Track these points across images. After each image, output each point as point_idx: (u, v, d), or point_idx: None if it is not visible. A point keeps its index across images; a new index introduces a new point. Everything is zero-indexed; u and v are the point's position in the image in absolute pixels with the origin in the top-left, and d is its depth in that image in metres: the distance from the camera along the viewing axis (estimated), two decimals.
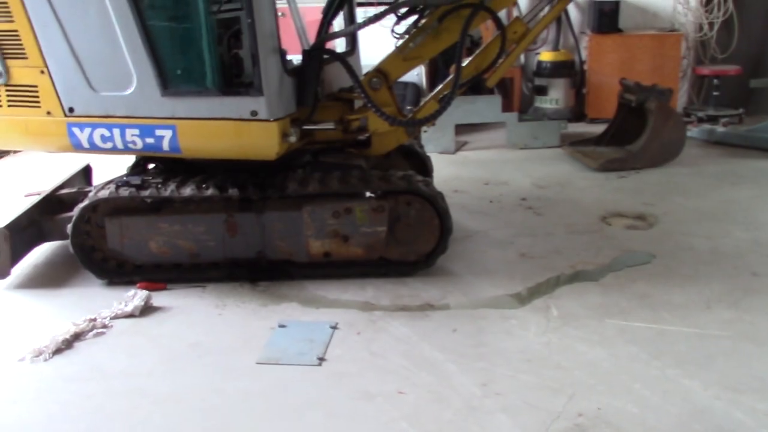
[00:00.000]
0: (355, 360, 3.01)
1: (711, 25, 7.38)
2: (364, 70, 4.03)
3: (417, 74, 6.81)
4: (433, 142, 6.19)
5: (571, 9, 7.45)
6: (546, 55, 7.47)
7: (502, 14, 3.84)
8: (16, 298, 3.73)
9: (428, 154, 4.66)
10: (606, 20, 7.18)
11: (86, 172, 4.85)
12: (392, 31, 3.77)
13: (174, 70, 3.46)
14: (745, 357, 2.91)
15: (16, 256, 3.77)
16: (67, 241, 3.71)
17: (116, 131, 3.54)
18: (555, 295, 3.53)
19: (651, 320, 3.25)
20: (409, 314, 3.39)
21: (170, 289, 3.69)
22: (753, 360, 2.89)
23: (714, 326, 3.18)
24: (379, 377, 2.86)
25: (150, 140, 3.51)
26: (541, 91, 7.50)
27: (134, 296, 3.51)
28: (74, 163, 4.83)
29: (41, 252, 4.14)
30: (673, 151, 5.73)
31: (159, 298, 3.58)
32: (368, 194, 3.74)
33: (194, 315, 3.44)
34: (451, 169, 5.78)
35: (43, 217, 3.95)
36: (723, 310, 3.33)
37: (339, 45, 4.48)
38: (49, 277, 3.93)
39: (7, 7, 3.48)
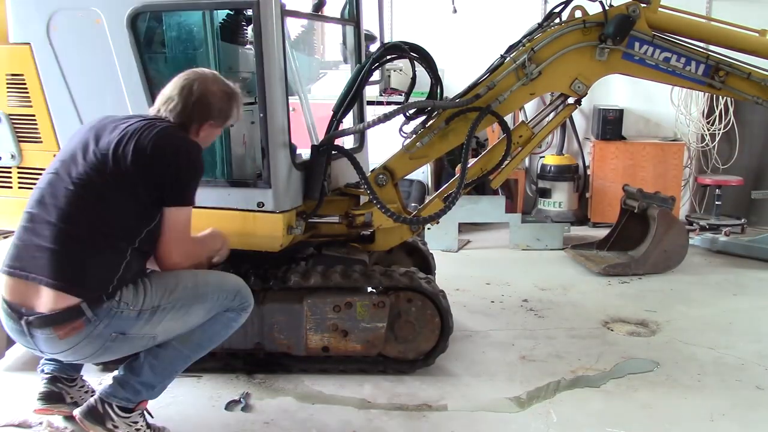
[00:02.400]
0: None
1: (713, 136, 7.53)
2: (372, 167, 4.10)
3: (423, 172, 6.91)
4: (437, 239, 6.22)
5: (576, 115, 7.62)
6: (550, 159, 7.60)
7: (508, 118, 3.92)
8: (8, 380, 3.68)
9: (431, 251, 4.67)
10: (610, 128, 7.33)
11: None
12: (400, 130, 3.86)
13: None
14: None
15: (11, 338, 3.73)
16: None
17: None
18: (555, 401, 3.47)
19: (653, 431, 3.18)
20: (406, 414, 3.33)
21: None
22: None
23: None
24: None
25: None
26: (545, 193, 7.59)
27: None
28: None
29: None
30: (675, 259, 5.74)
31: None
32: (369, 289, 3.74)
33: (188, 406, 3.38)
34: (454, 267, 5.78)
35: None
36: (727, 423, 3.26)
37: (347, 141, 4.57)
38: None
39: (27, 94, 3.58)
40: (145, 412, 2.99)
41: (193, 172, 2.85)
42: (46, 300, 2.61)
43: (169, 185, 2.77)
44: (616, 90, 7.64)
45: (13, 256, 2.72)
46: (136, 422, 2.92)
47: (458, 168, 3.82)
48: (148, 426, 2.99)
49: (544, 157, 7.70)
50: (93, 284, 2.65)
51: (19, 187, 3.71)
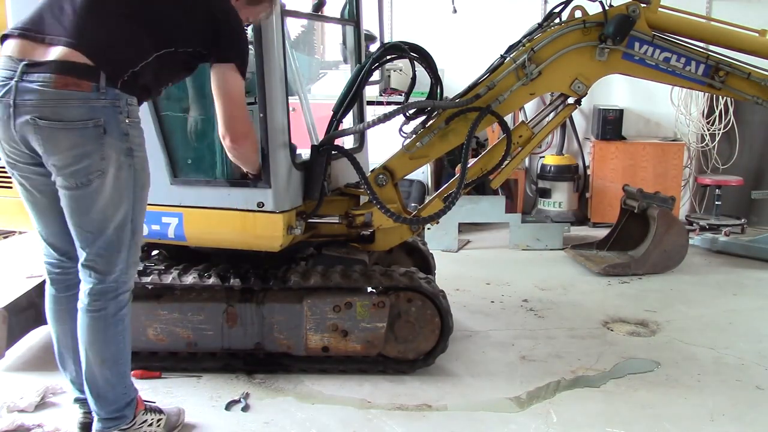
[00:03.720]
0: None
1: (712, 136, 7.53)
2: (372, 167, 4.10)
3: (422, 172, 6.91)
4: (437, 239, 6.22)
5: (576, 115, 7.63)
6: (550, 159, 7.60)
7: (508, 118, 3.92)
8: (9, 380, 3.68)
9: (431, 251, 4.67)
10: (610, 128, 7.34)
11: None
12: (400, 130, 3.86)
13: (184, 159, 3.53)
14: None
15: (12, 338, 3.74)
16: None
17: None
18: (555, 401, 3.47)
19: (653, 431, 3.18)
20: (406, 414, 3.33)
21: (165, 378, 3.64)
22: None
23: None
24: None
25: (156, 227, 3.53)
26: (545, 193, 7.59)
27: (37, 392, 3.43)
28: None
29: (38, 335, 4.10)
30: (675, 259, 5.75)
31: (153, 388, 3.53)
32: (369, 289, 3.74)
33: (188, 406, 3.37)
34: (453, 267, 5.78)
35: (42, 300, 3.91)
36: (727, 423, 3.26)
37: (347, 141, 4.56)
38: (44, 361, 3.88)
39: None
40: (147, 408, 3.01)
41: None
42: (58, 52, 2.44)
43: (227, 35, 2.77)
44: (616, 90, 7.64)
45: (29, 19, 2.54)
46: (144, 422, 2.93)
47: (458, 168, 3.82)
48: (158, 412, 3.04)
49: (544, 157, 7.70)
50: (112, 57, 2.51)
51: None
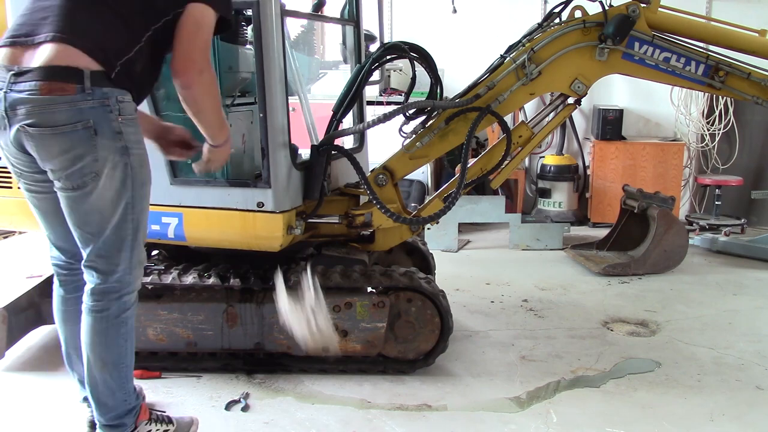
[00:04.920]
0: None
1: (712, 136, 7.54)
2: (372, 167, 4.10)
3: (423, 172, 6.91)
4: (437, 239, 6.22)
5: (576, 115, 7.63)
6: (550, 159, 7.60)
7: (508, 118, 3.92)
8: (10, 380, 3.68)
9: (431, 251, 4.67)
10: (610, 128, 7.34)
11: None
12: (400, 130, 3.86)
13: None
14: None
15: (12, 338, 3.74)
16: None
17: None
18: (555, 401, 3.47)
19: (653, 431, 3.18)
20: (406, 414, 3.33)
21: (165, 378, 3.64)
22: None
23: None
24: None
25: (155, 227, 3.53)
26: (545, 193, 7.59)
27: None
28: None
29: (38, 335, 4.11)
30: (675, 259, 5.75)
31: (153, 388, 3.53)
32: (369, 289, 3.74)
33: (188, 406, 3.38)
34: (453, 267, 5.78)
35: (42, 300, 3.93)
36: (726, 423, 3.26)
37: (347, 141, 4.57)
38: (44, 361, 3.88)
39: None
40: (153, 417, 2.96)
41: None
42: (46, 53, 2.40)
43: None
44: (616, 90, 7.64)
45: (16, 27, 2.52)
46: None
47: (458, 168, 3.82)
48: (166, 422, 2.99)
49: (544, 157, 7.70)
50: (102, 44, 2.46)
51: (19, 187, 3.70)
